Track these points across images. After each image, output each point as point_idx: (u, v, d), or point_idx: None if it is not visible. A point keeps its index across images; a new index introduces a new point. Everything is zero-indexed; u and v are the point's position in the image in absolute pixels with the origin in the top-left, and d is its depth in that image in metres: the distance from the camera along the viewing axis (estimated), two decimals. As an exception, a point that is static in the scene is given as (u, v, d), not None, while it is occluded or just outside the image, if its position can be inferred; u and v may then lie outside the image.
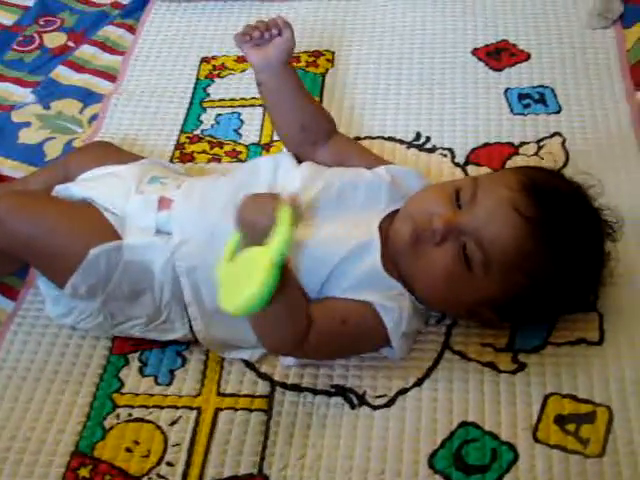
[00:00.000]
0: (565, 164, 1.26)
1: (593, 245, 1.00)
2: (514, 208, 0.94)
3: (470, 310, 1.01)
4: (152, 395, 1.04)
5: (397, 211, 1.04)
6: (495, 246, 0.94)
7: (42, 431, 1.01)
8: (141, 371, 1.06)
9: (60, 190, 1.11)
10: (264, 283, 0.80)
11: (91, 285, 1.01)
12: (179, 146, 1.37)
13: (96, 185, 1.10)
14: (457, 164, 1.29)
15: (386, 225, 1.02)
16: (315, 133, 1.15)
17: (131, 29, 1.62)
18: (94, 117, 1.44)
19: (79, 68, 1.54)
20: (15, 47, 1.59)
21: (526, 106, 1.38)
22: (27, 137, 1.40)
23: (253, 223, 0.88)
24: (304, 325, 0.93)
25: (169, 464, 0.96)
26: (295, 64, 1.47)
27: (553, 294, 0.98)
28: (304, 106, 1.17)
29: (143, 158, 1.22)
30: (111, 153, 1.23)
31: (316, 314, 0.95)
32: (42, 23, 1.64)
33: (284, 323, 0.92)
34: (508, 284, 0.96)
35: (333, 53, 1.53)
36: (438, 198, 1.00)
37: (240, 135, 1.38)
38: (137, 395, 1.04)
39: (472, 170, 1.27)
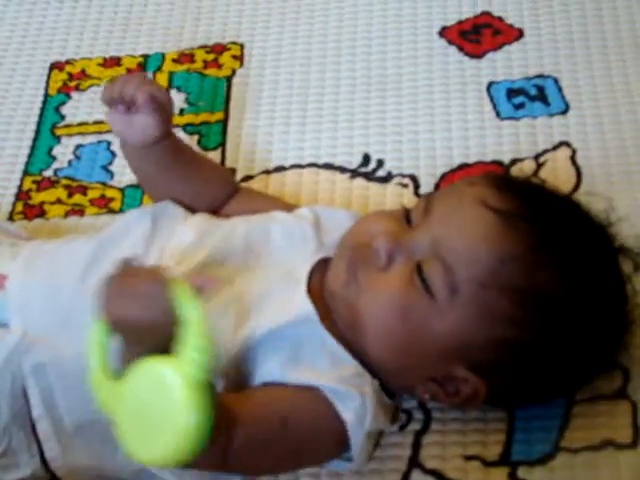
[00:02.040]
0: (577, 186, 1.28)
1: (604, 255, 1.02)
2: (480, 203, 0.97)
3: (440, 367, 0.99)
4: None
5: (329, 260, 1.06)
6: (460, 256, 0.95)
7: None
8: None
9: None
10: (194, 427, 0.76)
11: None
12: (22, 195, 1.38)
13: None
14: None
15: (318, 277, 1.04)
16: (207, 203, 1.19)
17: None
18: None
19: None
20: None
21: (519, 106, 1.40)
22: None
23: (133, 321, 0.85)
24: (227, 436, 0.91)
25: None
26: (188, 65, 1.50)
27: (556, 335, 0.98)
28: (184, 181, 1.21)
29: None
30: None
31: (244, 412, 0.92)
32: None
33: (208, 454, 0.90)
34: (485, 314, 0.95)
35: (242, 46, 1.55)
36: (381, 220, 1.04)
37: (111, 174, 1.39)
38: None
39: (445, 205, 1.28)
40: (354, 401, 0.97)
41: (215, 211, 1.19)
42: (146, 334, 0.84)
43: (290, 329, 0.99)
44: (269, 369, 0.97)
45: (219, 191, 1.22)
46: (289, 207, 1.20)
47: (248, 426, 0.92)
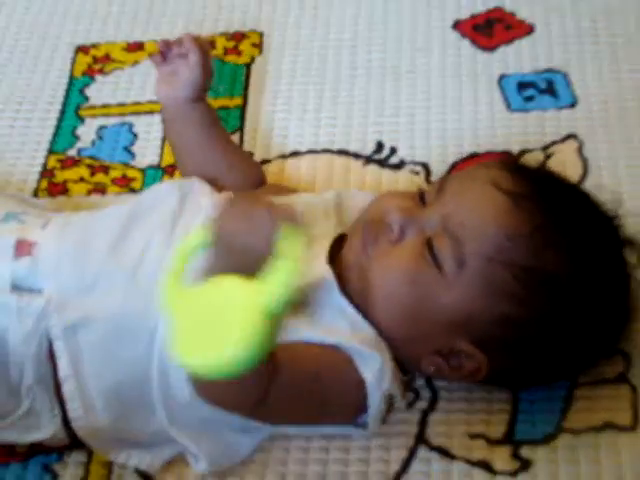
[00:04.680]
0: (583, 177, 1.28)
1: (607, 240, 1.03)
2: (492, 184, 0.98)
3: (445, 339, 1.00)
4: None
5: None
6: (468, 230, 0.97)
7: None
8: (-5, 494, 1.06)
9: None
10: (252, 343, 0.76)
11: None
12: (47, 173, 1.38)
13: None
14: (434, 184, 1.30)
15: (337, 251, 1.06)
16: (236, 183, 1.20)
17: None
18: None
19: None
20: None
21: (529, 99, 1.40)
22: None
23: (238, 238, 0.87)
24: (273, 372, 0.91)
25: None
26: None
27: (559, 316, 0.99)
28: (215, 154, 1.25)
29: (-6, 191, 1.23)
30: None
31: (283, 364, 0.92)
32: None
33: (250, 383, 0.89)
34: (489, 288, 0.97)
35: (261, 35, 1.55)
36: (396, 198, 1.05)
37: (133, 155, 1.39)
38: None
39: (455, 192, 1.28)
40: (375, 363, 0.98)
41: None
42: (241, 254, 0.84)
43: (311, 292, 1.00)
44: (294, 327, 0.97)
45: (248, 176, 1.25)
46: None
47: (288, 374, 0.93)
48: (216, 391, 0.90)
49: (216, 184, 1.17)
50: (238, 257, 0.84)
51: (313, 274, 1.01)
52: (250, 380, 0.84)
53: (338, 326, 1.00)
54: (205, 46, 1.26)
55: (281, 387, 0.92)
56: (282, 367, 0.90)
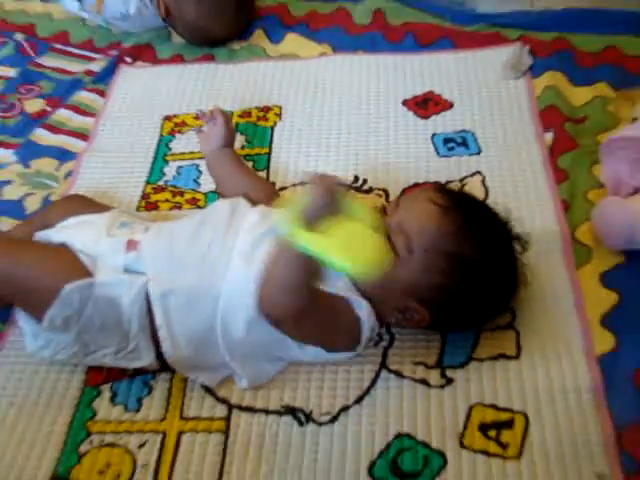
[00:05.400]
0: (485, 198, 1.27)
1: (502, 235, 1.03)
2: (429, 200, 0.99)
3: (401, 300, 1.00)
4: (122, 422, 1.03)
5: None
6: (414, 229, 0.97)
7: (24, 458, 1.00)
8: (112, 400, 1.06)
9: (40, 236, 1.13)
10: (384, 250, 0.85)
11: (66, 318, 1.02)
12: (145, 196, 1.37)
13: (71, 231, 1.12)
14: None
15: None
16: (255, 200, 1.17)
17: (102, 93, 1.62)
18: (69, 173, 1.43)
19: (55, 130, 1.53)
20: (-1, 113, 1.59)
21: (450, 149, 1.39)
22: (9, 193, 1.40)
23: (329, 201, 0.86)
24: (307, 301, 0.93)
25: (138, 483, 0.96)
26: (247, 119, 1.50)
27: (473, 285, 0.99)
28: (239, 182, 1.24)
29: (112, 208, 1.23)
30: (84, 204, 1.24)
31: (316, 295, 0.95)
32: (23, 91, 1.64)
33: (299, 298, 0.92)
34: (430, 266, 0.97)
35: (281, 108, 1.54)
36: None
37: (199, 184, 1.38)
38: (108, 422, 1.03)
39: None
40: (365, 308, 0.99)
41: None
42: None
43: None
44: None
45: (264, 191, 1.24)
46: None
47: (318, 301, 0.95)
48: (277, 301, 0.92)
49: (249, 200, 1.16)
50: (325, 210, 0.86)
51: None
52: (305, 292, 0.90)
53: (339, 284, 1.00)
54: (227, 115, 1.31)
55: (316, 307, 0.94)
56: (319, 295, 0.94)
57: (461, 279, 0.98)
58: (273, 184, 1.35)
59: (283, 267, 0.90)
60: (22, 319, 1.09)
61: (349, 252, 0.82)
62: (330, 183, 0.87)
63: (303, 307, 0.92)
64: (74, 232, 1.11)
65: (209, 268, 1.02)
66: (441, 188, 1.05)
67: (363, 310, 0.99)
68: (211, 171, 1.32)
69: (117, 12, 1.72)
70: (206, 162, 1.32)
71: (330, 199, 0.85)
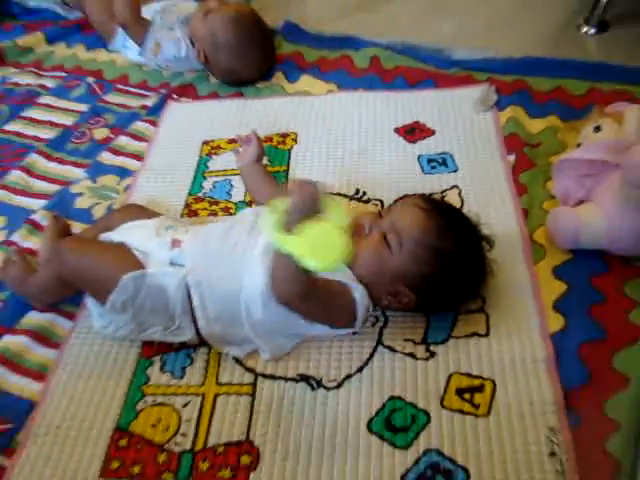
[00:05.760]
0: (461, 207, 1.26)
1: (474, 235, 1.02)
2: (416, 206, 0.99)
3: (393, 286, 0.98)
4: (170, 386, 1.03)
5: None
6: (404, 229, 0.97)
7: (93, 413, 1.01)
8: (162, 369, 1.05)
9: (103, 237, 1.13)
10: (346, 246, 0.78)
11: (124, 302, 1.02)
12: (187, 205, 1.36)
13: (127, 233, 1.12)
14: (385, 210, 1.28)
15: None
16: None
17: (154, 123, 1.61)
18: (127, 187, 1.43)
19: (117, 153, 1.53)
20: (73, 140, 1.59)
21: (433, 167, 1.37)
22: (80, 203, 1.39)
23: (308, 205, 0.83)
24: (311, 283, 0.91)
25: (182, 435, 0.97)
26: (269, 143, 1.48)
27: (450, 274, 0.98)
28: (267, 190, 1.22)
29: (161, 214, 1.22)
30: (139, 212, 1.23)
31: (318, 280, 0.93)
32: (92, 122, 1.63)
33: (303, 282, 0.89)
34: (417, 258, 0.96)
35: (297, 134, 1.52)
36: (367, 214, 1.05)
37: (231, 196, 1.37)
38: (159, 386, 1.03)
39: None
40: (360, 291, 0.98)
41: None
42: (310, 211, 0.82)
43: None
44: None
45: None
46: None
47: (320, 284, 0.93)
48: (283, 289, 0.91)
49: None
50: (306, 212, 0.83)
51: None
52: (304, 281, 0.88)
53: (340, 273, 0.99)
54: (259, 137, 1.28)
55: (316, 291, 0.92)
56: (317, 281, 0.92)
57: (440, 268, 0.97)
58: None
59: (279, 262, 0.89)
60: (90, 303, 1.09)
61: (314, 251, 0.79)
62: (309, 188, 0.84)
63: (304, 291, 0.91)
64: (130, 233, 1.11)
65: (235, 263, 1.01)
66: (425, 198, 1.04)
67: (358, 293, 0.98)
68: (245, 183, 1.30)
69: (171, 55, 1.73)
70: (240, 174, 1.30)
71: (309, 203, 0.82)
